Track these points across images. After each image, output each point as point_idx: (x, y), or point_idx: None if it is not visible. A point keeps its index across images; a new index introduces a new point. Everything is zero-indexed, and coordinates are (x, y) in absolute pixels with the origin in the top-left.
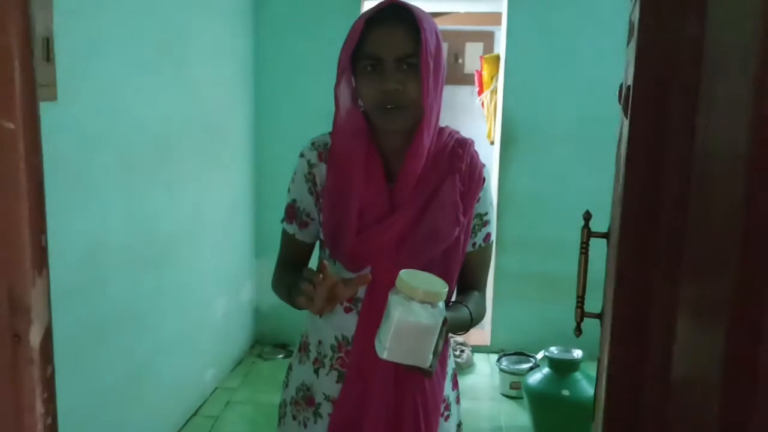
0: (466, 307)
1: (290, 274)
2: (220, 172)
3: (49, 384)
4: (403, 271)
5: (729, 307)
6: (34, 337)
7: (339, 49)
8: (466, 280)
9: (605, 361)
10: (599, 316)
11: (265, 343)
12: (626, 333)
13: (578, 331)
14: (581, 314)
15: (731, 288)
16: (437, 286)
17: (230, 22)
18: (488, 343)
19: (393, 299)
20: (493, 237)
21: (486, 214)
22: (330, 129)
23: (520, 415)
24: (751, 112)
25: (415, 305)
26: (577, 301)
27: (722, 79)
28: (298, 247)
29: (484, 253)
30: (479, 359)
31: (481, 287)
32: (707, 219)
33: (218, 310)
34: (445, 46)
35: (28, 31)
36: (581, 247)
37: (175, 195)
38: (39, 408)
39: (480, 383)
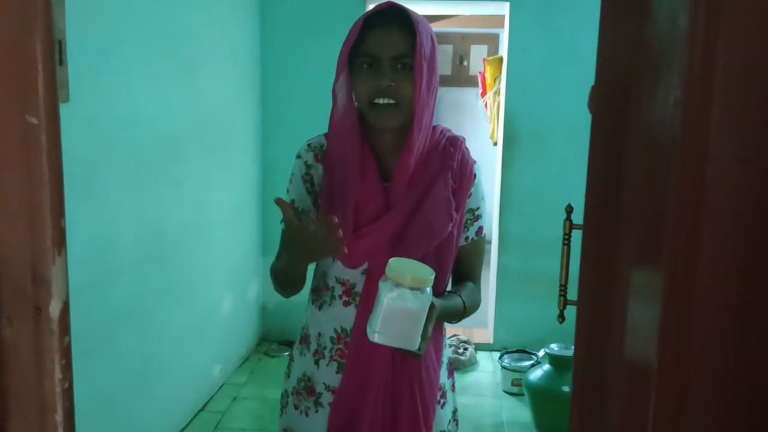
0: (459, 296)
1: None
2: (228, 172)
3: (66, 352)
4: (392, 259)
5: (662, 292)
6: (54, 310)
7: None
8: (461, 273)
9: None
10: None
11: (271, 340)
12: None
13: (561, 317)
14: (564, 302)
15: (664, 273)
16: (424, 273)
17: (238, 26)
18: (491, 341)
19: (383, 286)
20: (486, 231)
21: (478, 208)
22: (326, 131)
23: (522, 411)
24: (681, 108)
25: (403, 291)
26: (560, 290)
27: (664, 78)
28: None
29: (476, 246)
30: (482, 357)
31: (475, 278)
32: (651, 208)
33: (225, 308)
34: (439, 50)
35: (50, 36)
36: (564, 239)
37: (183, 194)
38: (57, 374)
39: (483, 380)
